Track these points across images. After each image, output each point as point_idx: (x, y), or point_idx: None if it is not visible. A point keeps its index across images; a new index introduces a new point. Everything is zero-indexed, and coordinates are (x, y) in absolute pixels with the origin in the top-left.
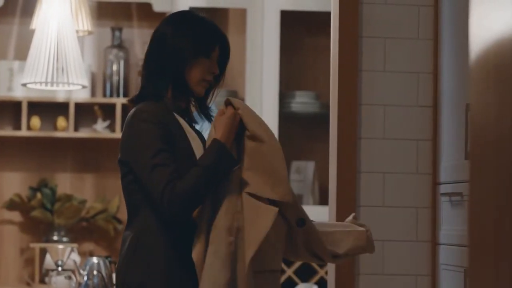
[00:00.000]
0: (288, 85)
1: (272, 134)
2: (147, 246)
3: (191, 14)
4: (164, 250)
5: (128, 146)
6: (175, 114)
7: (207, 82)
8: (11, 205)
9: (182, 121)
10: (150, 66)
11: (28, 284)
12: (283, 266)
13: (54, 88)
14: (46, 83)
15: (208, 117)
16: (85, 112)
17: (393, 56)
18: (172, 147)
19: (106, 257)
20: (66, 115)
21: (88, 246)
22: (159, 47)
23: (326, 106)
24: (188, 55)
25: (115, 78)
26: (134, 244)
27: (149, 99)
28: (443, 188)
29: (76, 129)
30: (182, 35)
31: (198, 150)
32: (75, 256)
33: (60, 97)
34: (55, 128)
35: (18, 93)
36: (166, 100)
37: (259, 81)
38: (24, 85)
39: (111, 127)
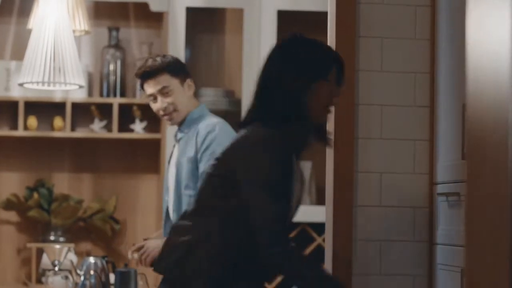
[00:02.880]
0: None
1: None
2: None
3: (303, 38)
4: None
5: (253, 167)
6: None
7: (330, 107)
8: (8, 205)
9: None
10: (271, 90)
11: (25, 284)
12: None
13: (51, 88)
14: (43, 83)
15: (330, 143)
16: (82, 112)
17: (390, 56)
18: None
19: (103, 257)
20: (63, 115)
21: (85, 246)
22: (277, 73)
23: None
24: (308, 79)
25: (112, 78)
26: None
27: (272, 124)
28: (440, 188)
29: (73, 129)
30: (297, 58)
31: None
32: (72, 256)
33: (57, 97)
34: (52, 128)
35: (15, 93)
36: (288, 131)
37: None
38: (21, 85)
39: (108, 127)
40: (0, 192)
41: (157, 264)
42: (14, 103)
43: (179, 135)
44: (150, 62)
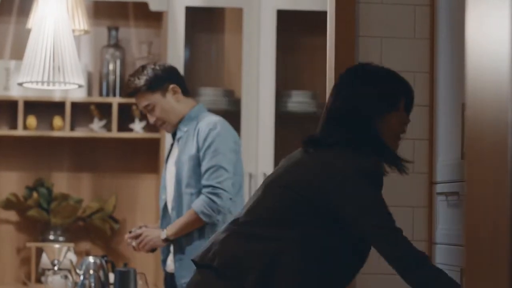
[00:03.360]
0: (284, 84)
1: None
2: None
3: (377, 67)
4: None
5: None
6: None
7: (401, 134)
8: (7, 205)
9: None
10: (348, 116)
11: (24, 283)
12: None
13: (51, 87)
14: (43, 82)
15: (403, 170)
16: (81, 112)
17: (389, 56)
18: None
19: (103, 257)
20: (62, 114)
21: (85, 245)
22: (349, 104)
23: (322, 106)
24: (384, 109)
25: (111, 77)
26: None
27: (360, 151)
28: (439, 188)
29: (72, 128)
30: (376, 86)
31: None
32: (72, 256)
33: (57, 97)
34: (51, 127)
35: (14, 93)
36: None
37: (256, 81)
38: (21, 84)
39: (108, 127)
40: None
41: (203, 255)
42: (13, 102)
43: (178, 134)
44: (129, 82)
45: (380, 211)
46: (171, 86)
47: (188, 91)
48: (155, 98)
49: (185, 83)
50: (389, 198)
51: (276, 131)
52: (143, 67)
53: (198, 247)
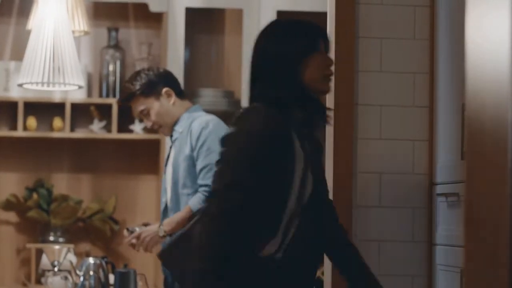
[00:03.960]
0: None
1: None
2: None
3: (288, 19)
4: None
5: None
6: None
7: (329, 76)
8: (7, 206)
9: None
10: (265, 72)
11: (24, 284)
12: None
13: (50, 88)
14: (43, 83)
15: (328, 120)
16: (81, 113)
17: (389, 57)
18: None
19: (103, 258)
20: (62, 115)
21: (85, 246)
22: (267, 58)
23: None
24: (300, 54)
25: (111, 78)
26: None
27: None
28: (439, 189)
29: (72, 129)
30: (287, 38)
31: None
32: (72, 257)
33: (56, 98)
34: (51, 128)
35: (14, 94)
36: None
37: None
38: (20, 85)
39: (107, 128)
40: None
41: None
42: (13, 103)
43: (174, 135)
44: (124, 88)
45: (234, 179)
46: (165, 89)
47: (183, 94)
48: (150, 102)
49: (180, 86)
50: (389, 199)
51: None
52: (137, 73)
53: None
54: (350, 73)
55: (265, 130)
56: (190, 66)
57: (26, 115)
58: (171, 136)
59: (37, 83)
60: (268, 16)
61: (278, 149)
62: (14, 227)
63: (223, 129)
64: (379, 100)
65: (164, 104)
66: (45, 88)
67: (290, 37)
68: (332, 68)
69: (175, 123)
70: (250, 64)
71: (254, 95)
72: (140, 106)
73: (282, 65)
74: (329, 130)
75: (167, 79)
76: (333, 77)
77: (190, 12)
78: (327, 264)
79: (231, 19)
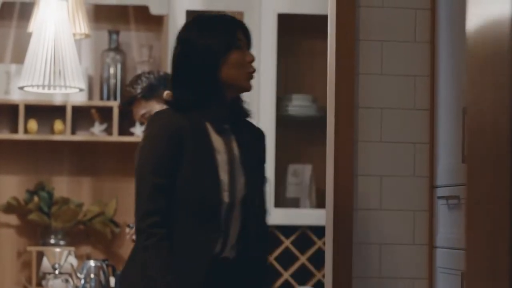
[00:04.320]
0: (285, 88)
1: None
2: None
3: (205, 14)
4: None
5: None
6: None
7: (250, 73)
8: (8, 208)
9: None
10: (179, 75)
11: (25, 287)
12: (280, 269)
13: (51, 91)
14: (43, 86)
15: (247, 114)
16: (82, 115)
17: (390, 59)
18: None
19: (103, 260)
20: (63, 118)
21: (85, 249)
22: (187, 53)
23: (323, 109)
24: (217, 53)
25: (112, 81)
26: None
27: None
28: (440, 191)
29: (73, 132)
30: (207, 34)
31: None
32: (72, 260)
33: (57, 100)
34: (52, 131)
35: (15, 96)
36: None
37: (256, 84)
38: (21, 88)
39: (108, 130)
40: (0, 195)
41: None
42: (14, 106)
43: None
44: (125, 92)
45: (140, 199)
46: (166, 93)
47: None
48: (151, 106)
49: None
50: (390, 202)
51: (276, 135)
52: (138, 76)
53: None
54: (350, 76)
55: (162, 138)
56: None
57: (27, 118)
58: None
59: (38, 86)
60: (268, 19)
61: (180, 152)
62: (15, 230)
63: None
64: (380, 103)
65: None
66: (46, 91)
67: (206, 36)
68: (254, 64)
69: None
70: (171, 66)
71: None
72: (141, 109)
73: (197, 65)
74: (330, 133)
75: (165, 79)
76: (255, 74)
77: (191, 15)
78: (327, 267)
79: None
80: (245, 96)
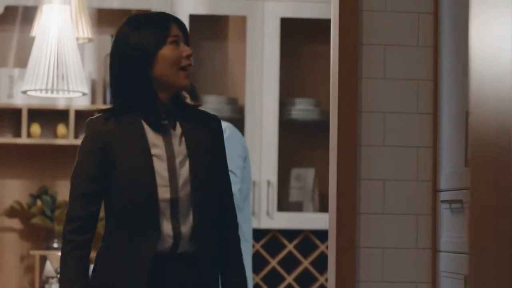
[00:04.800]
0: (288, 92)
1: None
2: None
3: (139, 13)
4: None
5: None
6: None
7: (186, 68)
8: (11, 212)
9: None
10: (117, 76)
11: None
12: (283, 273)
13: (54, 95)
14: (46, 90)
15: (192, 107)
16: (85, 119)
17: (393, 63)
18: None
19: None
20: (66, 122)
21: None
22: (119, 53)
23: (326, 113)
24: (151, 46)
25: None
26: None
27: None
28: (443, 195)
29: (76, 136)
30: (138, 31)
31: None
32: None
33: (60, 105)
34: (55, 135)
35: (18, 101)
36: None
37: (259, 88)
38: (24, 92)
39: None
40: (3, 199)
41: None
42: (17, 110)
43: None
44: None
45: (70, 201)
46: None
47: (197, 97)
48: None
49: (196, 91)
50: (393, 206)
51: (279, 139)
52: None
53: None
54: (353, 80)
55: (86, 142)
56: (194, 72)
57: (30, 122)
58: None
59: (41, 90)
60: (271, 23)
61: (108, 157)
62: (18, 234)
63: (239, 136)
64: (383, 107)
65: None
66: (49, 95)
67: (137, 33)
68: (191, 59)
69: None
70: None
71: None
72: None
73: (129, 64)
74: (333, 137)
75: None
76: (190, 69)
77: (194, 19)
78: (330, 271)
79: (235, 26)
80: (248, 99)
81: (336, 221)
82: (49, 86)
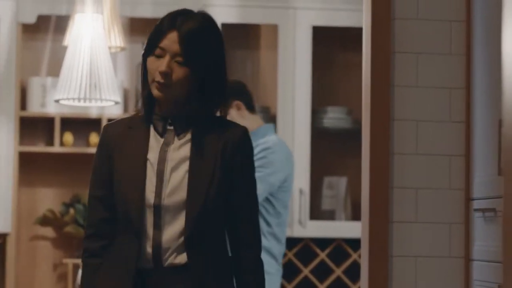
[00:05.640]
0: (320, 100)
1: None
2: None
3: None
4: None
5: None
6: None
7: (157, 82)
8: (44, 221)
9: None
10: None
11: None
12: (316, 281)
13: (87, 104)
14: (79, 99)
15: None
16: None
17: (425, 71)
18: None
19: None
20: (98, 131)
21: None
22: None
23: (358, 122)
24: (144, 55)
25: None
26: None
27: None
28: (476, 204)
29: None
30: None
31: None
32: None
33: (93, 113)
34: (87, 144)
35: (51, 109)
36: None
37: (291, 97)
38: (57, 101)
39: None
40: (36, 208)
41: None
42: (50, 119)
43: None
44: None
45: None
46: (235, 102)
47: (253, 108)
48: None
49: (252, 100)
50: (425, 215)
51: (312, 147)
52: None
53: None
54: (386, 88)
55: (97, 148)
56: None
57: (62, 131)
58: None
59: (73, 99)
60: (303, 32)
61: (111, 161)
62: (51, 242)
63: (286, 150)
64: (415, 115)
65: (233, 117)
66: (81, 104)
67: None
68: (163, 76)
69: None
70: None
71: None
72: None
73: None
74: (365, 145)
75: (238, 91)
76: (164, 85)
77: (226, 28)
78: (363, 280)
79: (267, 35)
80: (280, 108)
81: (369, 229)
82: (82, 95)
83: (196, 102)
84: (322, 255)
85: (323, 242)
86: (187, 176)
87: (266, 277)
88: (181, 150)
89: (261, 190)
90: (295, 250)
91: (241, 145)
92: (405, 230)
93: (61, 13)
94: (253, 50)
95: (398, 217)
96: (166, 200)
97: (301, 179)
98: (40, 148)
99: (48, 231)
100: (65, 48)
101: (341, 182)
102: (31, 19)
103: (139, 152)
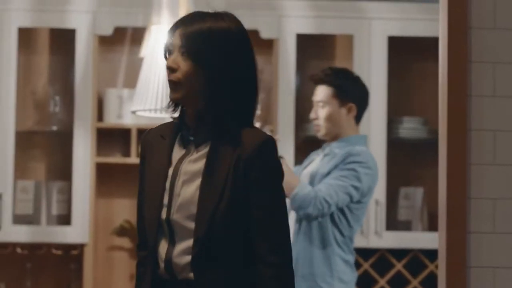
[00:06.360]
0: (396, 110)
1: None
2: None
3: None
4: None
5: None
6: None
7: (168, 82)
8: (121, 231)
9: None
10: None
11: None
12: (376, 276)
13: (164, 115)
14: (155, 110)
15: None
16: None
17: (503, 81)
18: None
19: None
20: None
21: None
22: None
23: (434, 132)
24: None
25: None
26: None
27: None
28: None
29: None
30: None
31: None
32: None
33: None
34: None
35: (128, 121)
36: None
37: (367, 107)
38: (134, 112)
39: None
40: (113, 218)
41: None
42: (126, 130)
43: (327, 149)
44: (325, 70)
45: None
46: (351, 104)
47: (360, 119)
48: (331, 102)
49: (364, 112)
50: (504, 225)
51: (387, 157)
52: (351, 73)
53: None
54: (462, 98)
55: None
56: (301, 92)
57: (139, 142)
58: (323, 147)
59: (150, 110)
60: (379, 42)
61: (143, 167)
62: (128, 253)
63: (374, 162)
64: (493, 125)
65: (341, 115)
66: (158, 115)
67: None
68: (168, 72)
69: (335, 138)
70: None
71: None
72: (323, 96)
73: None
74: (442, 156)
75: (362, 98)
76: (173, 82)
77: (301, 38)
78: None
79: (342, 45)
80: None
81: (446, 240)
82: (158, 106)
83: (216, 111)
84: (399, 266)
85: (399, 253)
86: (198, 192)
87: (342, 285)
88: (197, 163)
89: (340, 200)
90: (371, 260)
91: (254, 161)
92: (483, 241)
93: (138, 25)
94: (328, 60)
95: (475, 228)
96: (175, 215)
97: (377, 190)
98: (116, 159)
99: (125, 242)
100: (141, 59)
101: (418, 193)
102: (107, 31)
103: (161, 165)
